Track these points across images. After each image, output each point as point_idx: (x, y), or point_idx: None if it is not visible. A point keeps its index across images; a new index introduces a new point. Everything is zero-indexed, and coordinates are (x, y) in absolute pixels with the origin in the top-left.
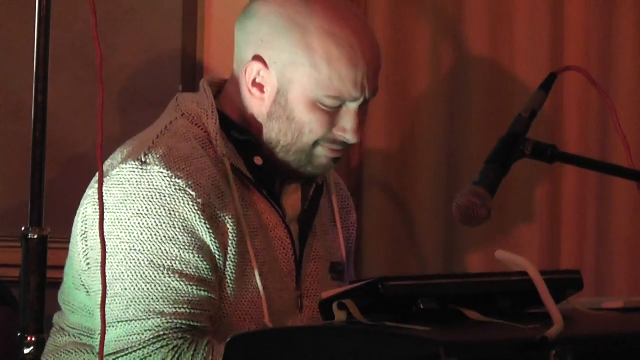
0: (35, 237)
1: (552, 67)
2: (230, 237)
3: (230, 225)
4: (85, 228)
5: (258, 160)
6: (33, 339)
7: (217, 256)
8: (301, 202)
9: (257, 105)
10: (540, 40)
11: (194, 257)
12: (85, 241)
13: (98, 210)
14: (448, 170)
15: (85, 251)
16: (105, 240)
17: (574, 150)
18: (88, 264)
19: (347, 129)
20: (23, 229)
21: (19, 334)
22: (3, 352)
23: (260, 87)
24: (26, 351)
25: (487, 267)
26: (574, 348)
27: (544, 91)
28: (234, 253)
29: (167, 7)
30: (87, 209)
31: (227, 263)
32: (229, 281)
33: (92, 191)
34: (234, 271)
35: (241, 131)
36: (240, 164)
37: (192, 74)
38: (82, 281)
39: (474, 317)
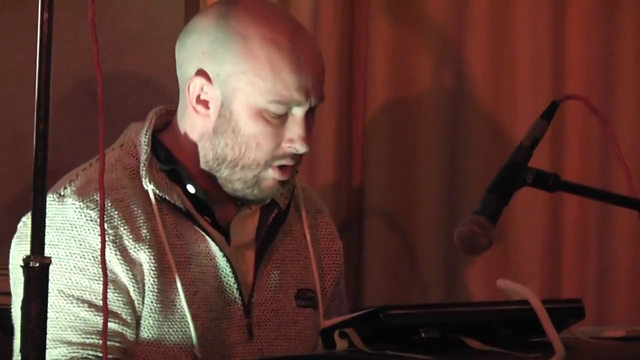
0: (37, 265)
1: (554, 96)
2: (147, 268)
3: (148, 257)
4: (11, 265)
5: (190, 189)
6: None
7: (131, 289)
8: (257, 227)
9: (203, 122)
10: (542, 69)
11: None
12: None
13: (15, 245)
14: (449, 198)
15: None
16: (17, 272)
17: (575, 179)
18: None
19: (294, 138)
20: (24, 257)
21: None
22: None
23: (205, 104)
24: None
25: (488, 296)
26: None
27: (545, 120)
28: (153, 284)
29: (168, 36)
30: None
31: (147, 294)
32: (152, 312)
33: (20, 224)
34: (156, 302)
35: (167, 161)
36: (171, 193)
37: None
38: None
39: (476, 346)
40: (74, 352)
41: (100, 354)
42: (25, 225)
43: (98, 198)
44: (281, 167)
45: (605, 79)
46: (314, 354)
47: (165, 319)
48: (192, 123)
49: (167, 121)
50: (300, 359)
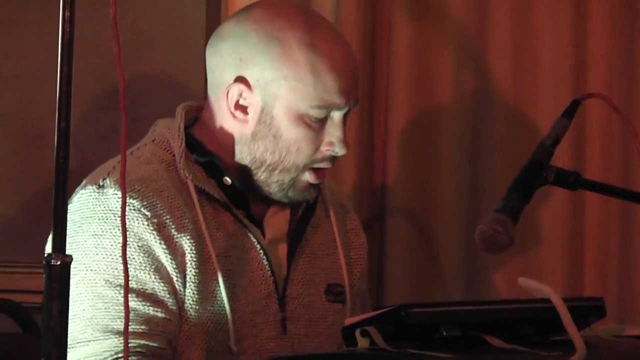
0: (58, 263)
1: (575, 94)
2: (189, 259)
3: (190, 247)
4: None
5: (226, 181)
6: None
7: (174, 277)
8: (289, 222)
9: (240, 127)
10: (563, 67)
11: (150, 278)
12: None
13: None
14: (470, 197)
15: None
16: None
17: (596, 177)
18: None
19: (334, 141)
20: (46, 255)
21: None
22: None
23: (243, 109)
24: None
25: (509, 294)
26: None
27: (566, 118)
28: (195, 274)
29: (189, 34)
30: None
31: (188, 285)
32: (191, 302)
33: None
34: (196, 293)
35: (203, 153)
36: (209, 185)
37: None
38: None
39: (497, 344)
40: (128, 341)
41: (151, 343)
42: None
43: (139, 187)
44: (317, 170)
45: (626, 77)
46: (336, 352)
47: (205, 311)
48: (229, 126)
49: (195, 116)
50: (321, 357)
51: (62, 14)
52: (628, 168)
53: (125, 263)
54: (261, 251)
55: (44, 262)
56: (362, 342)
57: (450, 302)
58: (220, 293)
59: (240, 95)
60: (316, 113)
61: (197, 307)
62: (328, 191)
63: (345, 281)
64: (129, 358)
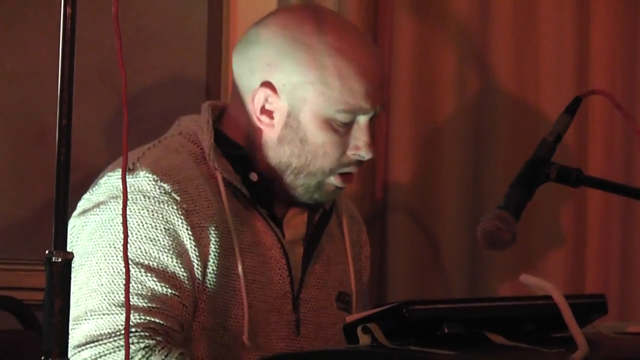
0: (59, 260)
1: (577, 91)
2: (213, 249)
3: (214, 238)
4: (71, 240)
5: (253, 177)
6: None
7: (195, 265)
8: (306, 225)
9: (266, 132)
10: (566, 64)
11: (172, 261)
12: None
13: (84, 218)
14: (473, 194)
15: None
16: (88, 240)
17: (599, 174)
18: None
19: (360, 145)
20: (47, 252)
21: (42, 358)
22: None
23: (269, 114)
24: None
25: (511, 292)
26: None
27: (569, 115)
28: (216, 265)
29: (192, 31)
30: (73, 220)
31: (208, 275)
32: (210, 294)
33: (81, 202)
34: (215, 284)
35: (234, 147)
36: (236, 180)
37: (216, 98)
38: None
39: (499, 341)
40: (140, 319)
41: (165, 322)
42: (83, 199)
43: (171, 174)
44: (343, 175)
45: (629, 74)
46: (337, 348)
47: (222, 303)
48: (255, 130)
49: (221, 114)
50: (323, 353)
51: (64, 11)
52: (630, 165)
53: (126, 257)
54: (282, 250)
55: (45, 260)
56: (364, 339)
57: (452, 299)
58: (240, 287)
59: (267, 100)
60: (343, 117)
61: (214, 299)
62: (342, 201)
63: (353, 291)
64: (140, 333)
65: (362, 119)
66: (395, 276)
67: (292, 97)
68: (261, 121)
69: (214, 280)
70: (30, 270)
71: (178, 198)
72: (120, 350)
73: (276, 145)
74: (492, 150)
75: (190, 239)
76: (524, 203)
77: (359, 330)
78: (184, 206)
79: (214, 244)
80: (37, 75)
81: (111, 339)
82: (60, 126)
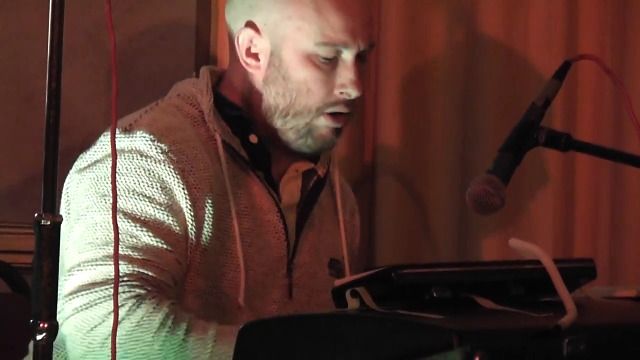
0: (48, 223)
1: (567, 56)
2: (209, 211)
3: (210, 199)
4: (68, 197)
5: (253, 138)
6: (45, 325)
7: (189, 224)
8: (300, 191)
9: (254, 75)
10: (555, 28)
11: (167, 219)
12: (68, 207)
13: (80, 175)
14: (461, 159)
15: (67, 216)
16: (83, 197)
17: (587, 139)
18: (67, 223)
19: (345, 82)
20: (36, 215)
21: (31, 321)
22: (16, 339)
23: (255, 56)
24: (38, 337)
25: (500, 256)
26: (586, 336)
27: (558, 79)
28: (212, 227)
29: None
30: (69, 177)
31: (203, 236)
32: (204, 256)
33: (78, 160)
34: (211, 247)
35: (233, 107)
36: (235, 143)
37: (206, 61)
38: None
39: (487, 305)
40: (133, 270)
41: (158, 276)
42: (81, 159)
43: (168, 134)
44: (333, 115)
45: (618, 39)
46: (326, 312)
47: (218, 265)
48: (245, 78)
49: (219, 77)
50: (311, 317)
51: None
52: (619, 129)
53: (115, 223)
54: (279, 215)
55: (34, 222)
56: (352, 303)
57: (441, 263)
58: (237, 250)
59: (251, 41)
60: (323, 52)
61: (209, 260)
62: (337, 169)
63: (345, 259)
64: (131, 282)
65: (347, 56)
66: (384, 239)
67: (273, 35)
68: (248, 64)
69: (209, 242)
70: (19, 233)
71: (175, 158)
72: (110, 298)
73: (262, 86)
74: (481, 113)
75: (186, 199)
76: (512, 167)
77: (347, 294)
78: (180, 166)
79: (210, 206)
80: (26, 37)
81: (103, 287)
82: (50, 89)
